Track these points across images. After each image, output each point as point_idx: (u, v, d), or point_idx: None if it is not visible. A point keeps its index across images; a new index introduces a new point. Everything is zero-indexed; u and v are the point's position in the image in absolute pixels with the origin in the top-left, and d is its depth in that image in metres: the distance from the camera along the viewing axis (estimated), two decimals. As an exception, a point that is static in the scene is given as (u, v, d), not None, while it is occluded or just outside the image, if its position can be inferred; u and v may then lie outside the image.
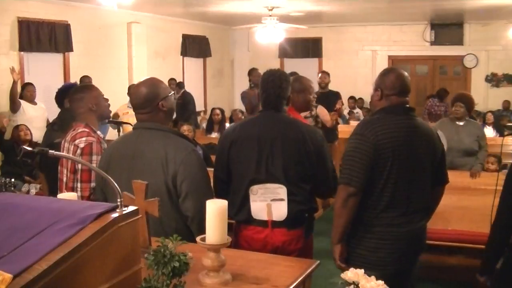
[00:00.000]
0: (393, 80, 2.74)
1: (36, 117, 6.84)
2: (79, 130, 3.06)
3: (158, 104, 2.58)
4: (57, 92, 4.91)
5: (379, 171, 2.63)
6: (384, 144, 2.62)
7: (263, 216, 2.81)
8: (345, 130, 7.88)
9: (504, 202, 2.64)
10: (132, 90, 2.71)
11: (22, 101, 6.79)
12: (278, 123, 2.85)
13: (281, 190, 2.78)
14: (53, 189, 3.66)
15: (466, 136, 5.24)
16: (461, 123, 5.33)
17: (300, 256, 2.74)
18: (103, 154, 2.79)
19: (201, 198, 2.26)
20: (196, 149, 2.63)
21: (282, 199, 2.79)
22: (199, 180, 2.52)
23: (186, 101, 9.56)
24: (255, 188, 2.80)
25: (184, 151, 2.51)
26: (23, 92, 6.92)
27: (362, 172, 2.60)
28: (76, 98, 3.16)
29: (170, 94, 2.67)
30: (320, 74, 7.92)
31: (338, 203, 2.66)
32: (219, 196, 2.68)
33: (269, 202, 2.80)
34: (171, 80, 9.55)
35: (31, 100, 6.94)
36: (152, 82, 2.65)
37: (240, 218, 2.88)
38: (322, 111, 6.05)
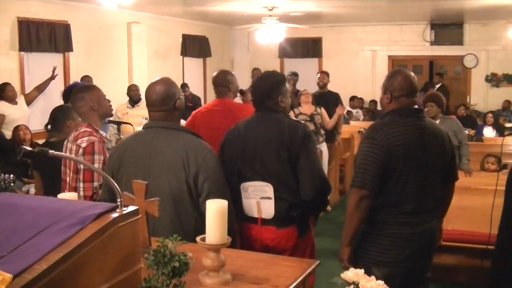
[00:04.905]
0: (401, 82, 2.77)
1: (19, 118, 6.63)
2: (81, 130, 3.06)
3: (175, 103, 2.62)
4: (64, 90, 4.91)
5: (391, 172, 2.66)
6: (395, 146, 2.65)
7: (254, 213, 2.89)
8: (345, 130, 7.87)
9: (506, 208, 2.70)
10: (150, 87, 2.66)
11: (1, 102, 6.65)
12: (262, 122, 2.93)
13: (268, 189, 2.84)
14: (48, 188, 3.65)
15: None
16: (436, 122, 5.35)
17: (293, 255, 2.76)
18: (113, 153, 2.74)
19: (222, 197, 2.26)
20: (213, 149, 2.66)
21: (269, 197, 2.85)
22: (219, 179, 2.57)
23: (195, 103, 9.62)
24: (246, 185, 2.88)
25: (204, 151, 2.55)
26: (3, 93, 6.71)
27: (375, 175, 2.64)
28: (78, 97, 3.16)
29: (182, 95, 2.71)
30: (319, 74, 7.87)
31: (351, 205, 2.69)
32: None
33: (259, 199, 2.87)
34: (185, 86, 9.52)
35: (12, 100, 6.78)
36: (169, 81, 2.68)
37: None
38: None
